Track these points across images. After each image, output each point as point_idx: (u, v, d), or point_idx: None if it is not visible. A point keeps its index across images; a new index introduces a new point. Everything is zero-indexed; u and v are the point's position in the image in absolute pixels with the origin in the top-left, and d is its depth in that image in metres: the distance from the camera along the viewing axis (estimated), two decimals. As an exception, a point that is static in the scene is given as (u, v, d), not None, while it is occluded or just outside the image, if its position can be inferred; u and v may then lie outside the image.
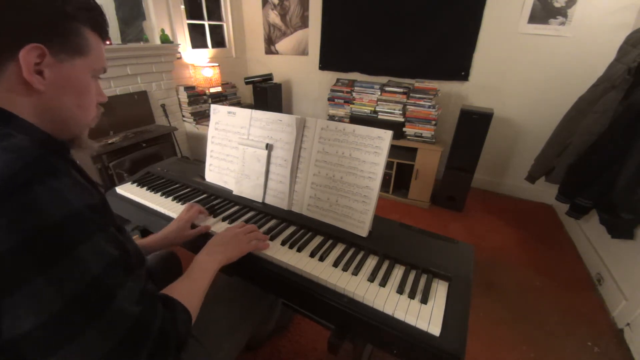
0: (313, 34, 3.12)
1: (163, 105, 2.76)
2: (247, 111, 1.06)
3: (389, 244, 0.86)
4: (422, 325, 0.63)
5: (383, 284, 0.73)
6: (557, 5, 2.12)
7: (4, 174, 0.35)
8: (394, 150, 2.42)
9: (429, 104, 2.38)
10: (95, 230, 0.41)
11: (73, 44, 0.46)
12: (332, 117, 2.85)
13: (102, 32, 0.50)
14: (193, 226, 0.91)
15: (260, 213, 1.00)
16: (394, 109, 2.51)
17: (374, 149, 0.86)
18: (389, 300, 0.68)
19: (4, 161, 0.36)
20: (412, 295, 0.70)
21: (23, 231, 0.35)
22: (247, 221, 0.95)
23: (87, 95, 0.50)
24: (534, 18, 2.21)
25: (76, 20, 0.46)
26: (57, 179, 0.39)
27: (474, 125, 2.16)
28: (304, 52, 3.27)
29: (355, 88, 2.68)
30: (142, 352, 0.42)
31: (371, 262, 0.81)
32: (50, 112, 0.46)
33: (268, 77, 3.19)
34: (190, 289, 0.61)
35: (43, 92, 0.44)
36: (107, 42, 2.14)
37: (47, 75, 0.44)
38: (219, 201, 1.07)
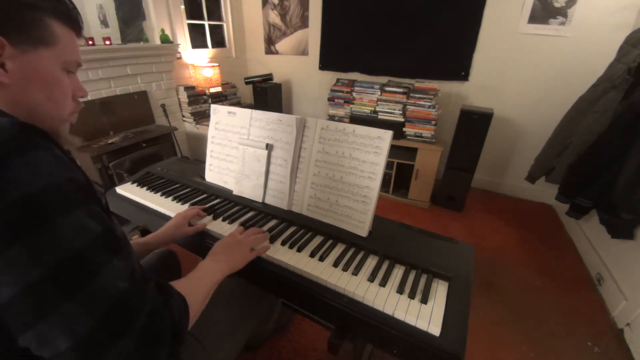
0: (313, 34, 3.12)
1: (163, 105, 2.76)
2: (247, 111, 1.06)
3: (389, 244, 0.86)
4: (422, 325, 0.63)
5: (383, 284, 0.73)
6: (557, 5, 2.12)
7: None
8: (394, 150, 2.42)
9: (429, 104, 2.38)
10: (77, 204, 0.40)
11: (36, 35, 0.44)
12: (332, 117, 2.85)
13: (70, 23, 0.49)
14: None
15: (260, 213, 1.00)
16: (394, 109, 2.51)
17: (374, 149, 0.86)
18: (389, 300, 0.68)
19: None
20: (412, 295, 0.70)
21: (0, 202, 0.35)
22: (247, 221, 0.95)
23: (57, 88, 0.48)
24: (534, 18, 2.21)
25: (37, 10, 0.44)
26: (36, 152, 0.39)
27: (474, 125, 2.16)
28: (304, 52, 3.27)
29: (355, 88, 2.68)
30: (130, 333, 0.40)
31: (371, 262, 0.81)
32: (22, 107, 0.45)
33: (268, 77, 3.19)
34: (190, 287, 0.61)
35: (9, 85, 0.43)
36: (107, 42, 2.14)
37: (9, 68, 0.43)
38: (219, 201, 1.07)
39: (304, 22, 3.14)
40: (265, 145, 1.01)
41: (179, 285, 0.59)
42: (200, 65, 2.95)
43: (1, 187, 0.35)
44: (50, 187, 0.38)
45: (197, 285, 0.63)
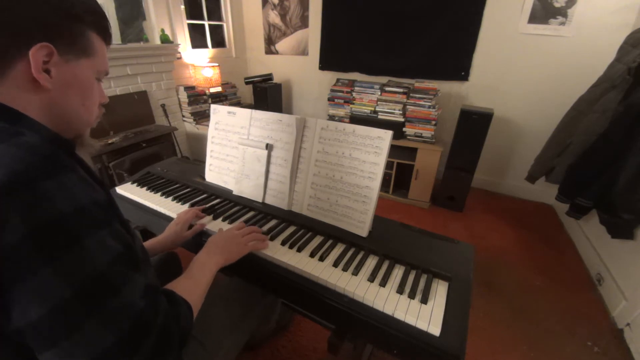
0: (313, 34, 3.12)
1: (163, 105, 2.76)
2: (247, 111, 1.06)
3: (389, 244, 0.86)
4: (422, 325, 0.63)
5: (383, 284, 0.73)
6: (557, 5, 2.12)
7: (16, 169, 0.36)
8: (394, 150, 2.42)
9: (429, 104, 2.38)
10: (100, 225, 0.42)
11: (79, 45, 0.48)
12: (332, 117, 2.85)
13: (105, 36, 0.53)
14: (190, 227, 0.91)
15: (260, 213, 1.00)
16: (394, 109, 2.51)
17: (374, 149, 0.86)
18: (389, 300, 0.68)
19: (16, 157, 0.37)
20: (412, 295, 0.70)
21: (31, 223, 0.36)
22: (247, 221, 0.95)
23: (91, 95, 0.52)
24: (534, 18, 2.21)
25: (83, 23, 0.47)
26: (66, 175, 0.40)
27: (474, 125, 2.16)
28: (304, 52, 3.27)
29: (355, 88, 2.68)
30: (146, 345, 0.42)
31: (371, 262, 0.81)
32: (56, 110, 0.48)
33: (268, 77, 3.19)
34: (190, 287, 0.61)
35: (50, 91, 0.46)
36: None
37: (54, 74, 0.45)
38: (219, 201, 1.07)
39: (304, 22, 3.14)
40: (265, 145, 1.01)
41: (180, 285, 0.60)
42: (200, 65, 2.95)
43: (32, 208, 0.36)
44: (78, 209, 0.39)
45: (196, 283, 0.64)
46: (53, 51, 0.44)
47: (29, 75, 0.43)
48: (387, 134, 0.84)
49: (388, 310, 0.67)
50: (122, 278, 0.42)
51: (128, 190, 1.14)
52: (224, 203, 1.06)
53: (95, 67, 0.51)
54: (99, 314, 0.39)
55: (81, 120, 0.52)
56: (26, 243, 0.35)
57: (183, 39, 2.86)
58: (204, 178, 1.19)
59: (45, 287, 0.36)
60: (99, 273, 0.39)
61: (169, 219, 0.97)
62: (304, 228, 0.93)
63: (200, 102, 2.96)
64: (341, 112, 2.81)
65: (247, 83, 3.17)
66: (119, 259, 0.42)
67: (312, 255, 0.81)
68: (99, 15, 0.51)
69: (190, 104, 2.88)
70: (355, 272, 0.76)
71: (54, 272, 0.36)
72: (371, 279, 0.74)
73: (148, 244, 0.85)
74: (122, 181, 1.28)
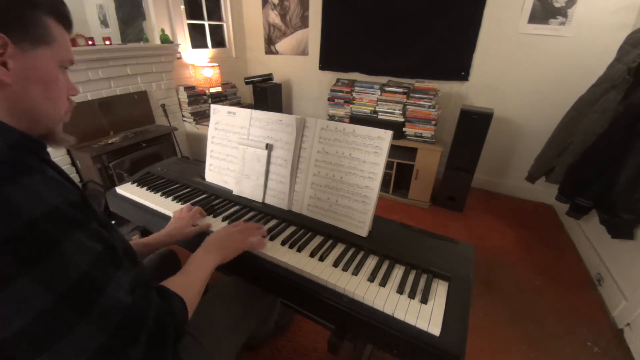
0: (313, 34, 3.12)
1: (163, 105, 2.76)
2: (247, 111, 1.06)
3: (389, 244, 0.86)
4: (422, 325, 0.63)
5: (383, 284, 0.73)
6: (557, 5, 2.12)
7: None
8: (394, 150, 2.42)
9: (429, 104, 2.38)
10: (76, 225, 0.41)
11: (35, 33, 0.44)
12: (332, 117, 2.85)
13: (65, 21, 0.49)
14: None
15: (260, 213, 1.00)
16: (394, 109, 2.51)
17: (374, 149, 0.86)
18: (389, 300, 0.68)
19: None
20: (412, 295, 0.70)
21: (1, 233, 0.34)
22: (247, 221, 0.95)
23: (54, 87, 0.49)
24: (534, 18, 2.21)
25: (36, 9, 0.44)
26: (30, 177, 0.38)
27: (474, 125, 2.16)
28: (304, 52, 3.27)
29: (355, 88, 2.68)
30: (139, 341, 0.42)
31: (371, 262, 0.81)
32: (19, 106, 0.45)
33: (268, 77, 3.19)
34: (186, 283, 0.61)
35: (9, 85, 0.43)
36: (107, 42, 2.14)
37: (11, 66, 0.42)
38: (219, 201, 1.07)
39: (304, 22, 3.14)
40: (265, 145, 1.01)
41: (175, 282, 0.60)
42: (200, 65, 2.95)
43: (1, 216, 0.35)
44: (49, 211, 0.38)
45: (192, 280, 0.64)
46: (7, 41, 0.41)
47: None
48: (387, 134, 0.84)
49: (388, 310, 0.67)
50: (104, 277, 0.41)
51: (128, 190, 1.14)
52: (224, 203, 1.06)
53: (57, 57, 0.47)
54: (87, 315, 0.38)
55: (48, 115, 0.49)
56: None
57: (183, 39, 2.86)
58: (204, 178, 1.19)
59: (27, 296, 0.35)
60: (80, 274, 0.39)
61: (169, 218, 0.97)
62: (304, 228, 0.93)
63: (200, 102, 2.96)
64: (341, 112, 2.81)
65: (247, 83, 3.17)
66: (100, 258, 0.42)
67: (312, 255, 0.81)
68: (55, 0, 0.47)
69: (190, 104, 2.88)
70: (355, 272, 0.76)
71: (32, 279, 0.35)
72: (371, 279, 0.74)
73: (147, 239, 0.85)
74: (122, 181, 1.28)
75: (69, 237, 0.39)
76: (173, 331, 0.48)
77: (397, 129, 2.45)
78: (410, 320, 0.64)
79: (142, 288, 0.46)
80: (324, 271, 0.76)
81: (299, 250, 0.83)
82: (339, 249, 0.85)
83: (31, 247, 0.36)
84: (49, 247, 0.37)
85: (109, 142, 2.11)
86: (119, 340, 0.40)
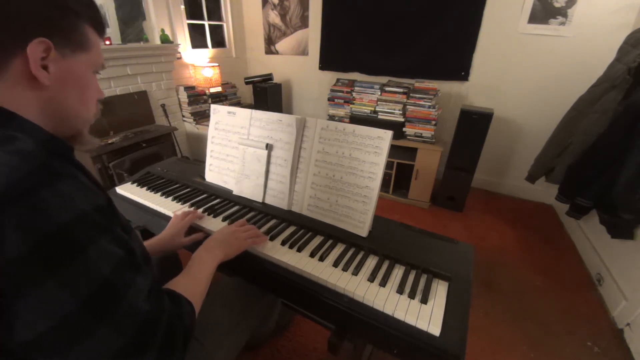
0: (313, 34, 3.12)
1: (163, 105, 2.76)
2: (247, 111, 1.06)
3: (389, 244, 0.86)
4: (422, 325, 0.63)
5: (383, 284, 0.73)
6: (557, 5, 2.12)
7: (11, 179, 0.35)
8: (394, 150, 2.42)
9: (429, 104, 2.38)
10: (102, 231, 0.41)
11: (75, 40, 0.46)
12: (332, 117, 2.85)
13: (100, 29, 0.51)
14: (190, 231, 0.92)
15: (260, 213, 1.00)
16: (394, 109, 2.51)
17: (374, 149, 0.86)
18: (389, 300, 0.68)
19: (10, 166, 0.36)
20: (412, 295, 0.70)
21: (32, 236, 0.34)
22: (247, 221, 0.95)
23: (88, 91, 0.51)
24: (534, 18, 2.21)
25: (78, 17, 0.46)
26: (63, 182, 0.39)
27: (474, 125, 2.16)
28: (304, 52, 3.27)
29: (355, 88, 2.68)
30: (153, 346, 0.43)
31: (371, 262, 0.81)
32: (54, 107, 0.47)
33: (268, 77, 3.19)
34: (191, 285, 0.62)
35: (47, 88, 0.45)
36: (107, 42, 2.14)
37: (51, 70, 0.44)
38: (219, 201, 1.07)
39: (304, 22, 3.14)
40: (265, 145, 1.01)
41: (181, 284, 0.60)
42: (200, 65, 2.95)
43: (31, 220, 0.35)
44: (79, 217, 0.38)
45: (196, 280, 0.64)
46: (51, 46, 0.42)
47: (27, 72, 0.42)
48: (387, 134, 0.84)
49: (388, 310, 0.67)
50: (125, 283, 0.42)
51: (128, 190, 1.14)
52: (224, 203, 1.06)
53: (91, 62, 0.50)
54: (107, 321, 0.39)
55: (80, 117, 0.51)
56: (28, 257, 0.34)
57: (183, 39, 2.86)
58: (204, 178, 1.19)
59: (52, 300, 0.36)
60: (103, 280, 0.39)
61: (169, 219, 0.97)
62: (304, 228, 0.93)
63: (200, 102, 2.96)
64: (341, 112, 2.81)
65: (247, 83, 3.17)
66: (121, 263, 0.42)
67: (312, 255, 0.81)
68: (93, 8, 0.50)
69: (190, 104, 2.88)
70: (355, 272, 0.76)
71: (59, 284, 0.36)
72: (371, 279, 0.74)
73: (146, 244, 0.85)
74: (122, 181, 1.28)
75: (95, 243, 0.39)
76: (183, 336, 0.49)
77: (397, 129, 2.45)
78: (410, 320, 0.64)
79: (156, 294, 0.47)
80: (324, 271, 0.76)
81: (299, 250, 0.83)
82: (339, 249, 0.85)
83: (60, 251, 0.36)
84: (77, 252, 0.37)
85: (109, 142, 2.11)
86: (136, 344, 0.41)
